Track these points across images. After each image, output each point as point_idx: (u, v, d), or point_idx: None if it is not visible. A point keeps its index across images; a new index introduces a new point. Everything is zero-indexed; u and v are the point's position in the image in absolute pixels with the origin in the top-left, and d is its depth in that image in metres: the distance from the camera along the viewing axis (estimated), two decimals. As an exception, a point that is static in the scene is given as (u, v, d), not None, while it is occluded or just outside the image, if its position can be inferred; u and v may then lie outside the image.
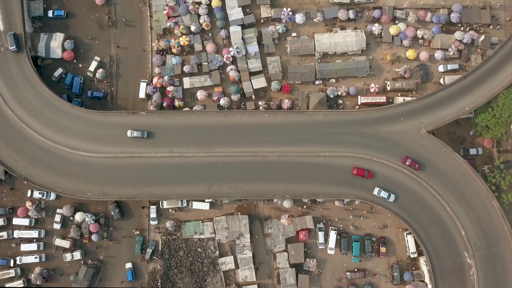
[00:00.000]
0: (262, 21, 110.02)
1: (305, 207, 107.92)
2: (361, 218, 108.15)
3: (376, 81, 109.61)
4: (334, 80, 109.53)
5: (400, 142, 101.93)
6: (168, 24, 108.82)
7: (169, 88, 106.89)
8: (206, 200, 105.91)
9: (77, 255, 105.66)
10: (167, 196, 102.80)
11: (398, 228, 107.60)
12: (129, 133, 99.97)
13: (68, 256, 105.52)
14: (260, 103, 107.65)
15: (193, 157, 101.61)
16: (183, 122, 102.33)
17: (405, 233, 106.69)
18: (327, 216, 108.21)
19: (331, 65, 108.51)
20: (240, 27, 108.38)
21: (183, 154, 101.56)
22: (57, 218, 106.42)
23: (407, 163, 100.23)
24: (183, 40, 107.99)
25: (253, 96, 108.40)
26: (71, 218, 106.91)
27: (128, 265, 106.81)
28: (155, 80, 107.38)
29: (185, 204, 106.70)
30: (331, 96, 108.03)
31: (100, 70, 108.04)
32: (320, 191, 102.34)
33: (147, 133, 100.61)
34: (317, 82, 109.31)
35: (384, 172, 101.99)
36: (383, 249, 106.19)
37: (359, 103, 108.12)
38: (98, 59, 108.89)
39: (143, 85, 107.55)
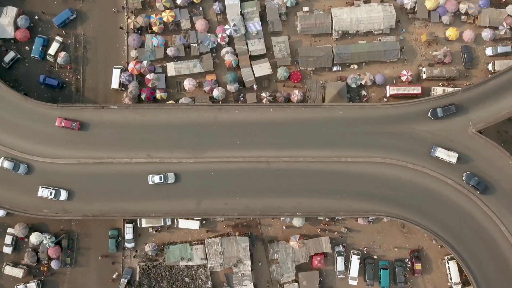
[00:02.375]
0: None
1: (320, 225, 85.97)
2: (391, 239, 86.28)
3: (409, 67, 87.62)
4: (356, 66, 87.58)
5: (442, 144, 79.95)
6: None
7: (149, 76, 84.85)
8: (195, 218, 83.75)
9: (33, 287, 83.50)
10: (144, 213, 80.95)
11: (437, 252, 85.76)
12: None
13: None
14: (263, 95, 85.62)
15: (178, 163, 79.84)
16: (165, 118, 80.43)
17: (446, 258, 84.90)
18: (348, 237, 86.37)
19: (352, 47, 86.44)
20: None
21: (165, 160, 79.77)
22: (8, 239, 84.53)
23: None
24: (167, 16, 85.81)
25: (255, 86, 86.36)
26: (26, 239, 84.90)
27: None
28: (131, 65, 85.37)
29: (169, 222, 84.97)
30: (353, 86, 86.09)
31: (63, 53, 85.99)
32: (340, 207, 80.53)
33: None
34: (334, 69, 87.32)
35: (422, 183, 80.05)
36: (418, 266, 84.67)
37: (387, 95, 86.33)
38: (60, 39, 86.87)
39: (116, 72, 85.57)
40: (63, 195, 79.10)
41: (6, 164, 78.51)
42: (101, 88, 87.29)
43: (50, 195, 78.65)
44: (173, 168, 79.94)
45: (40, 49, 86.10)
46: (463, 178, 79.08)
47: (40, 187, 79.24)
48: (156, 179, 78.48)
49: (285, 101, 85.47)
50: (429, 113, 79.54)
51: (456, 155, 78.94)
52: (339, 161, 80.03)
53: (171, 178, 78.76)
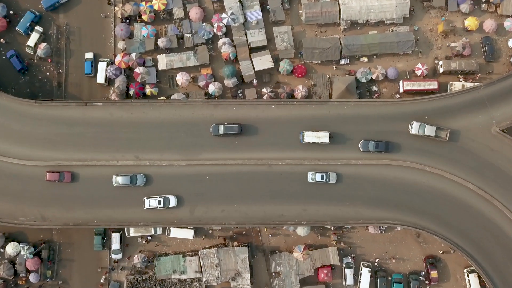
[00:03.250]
0: (267, -23, 79.86)
1: (327, 235, 77.90)
2: (405, 249, 78.24)
3: (424, 60, 79.66)
4: (366, 59, 79.60)
5: (463, 145, 71.95)
6: (137, -19, 78.86)
7: (138, 70, 76.82)
8: (189, 226, 75.61)
9: (9, 303, 75.64)
10: (132, 221, 72.77)
11: (456, 262, 77.67)
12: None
13: (-4, 305, 75.80)
14: (264, 90, 77.61)
15: (170, 166, 71.81)
16: (155, 116, 72.37)
17: (465, 270, 76.97)
18: (357, 247, 78.25)
19: (362, 38, 78.46)
20: (236, -15, 78.44)
21: (154, 163, 71.71)
22: (-19, 250, 76.47)
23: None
24: (158, 3, 77.74)
25: (255, 81, 78.34)
26: (1, 250, 76.73)
27: (81, 316, 76.91)
28: (118, 58, 77.32)
29: (160, 231, 76.85)
30: (363, 80, 78.07)
31: (43, 45, 77.94)
32: (349, 215, 72.44)
33: None
34: (343, 62, 79.35)
35: (441, 188, 71.97)
36: (434, 274, 76.70)
37: (400, 91, 78.44)
38: (41, 29, 78.75)
39: (102, 66, 77.62)
40: (41, 201, 71.13)
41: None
42: (86, 83, 79.27)
43: (27, 201, 70.62)
44: (164, 171, 71.84)
45: (28, 24, 77.79)
46: (360, 148, 71.69)
47: (15, 192, 71.32)
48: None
49: (288, 97, 77.46)
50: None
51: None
52: (348, 163, 71.99)
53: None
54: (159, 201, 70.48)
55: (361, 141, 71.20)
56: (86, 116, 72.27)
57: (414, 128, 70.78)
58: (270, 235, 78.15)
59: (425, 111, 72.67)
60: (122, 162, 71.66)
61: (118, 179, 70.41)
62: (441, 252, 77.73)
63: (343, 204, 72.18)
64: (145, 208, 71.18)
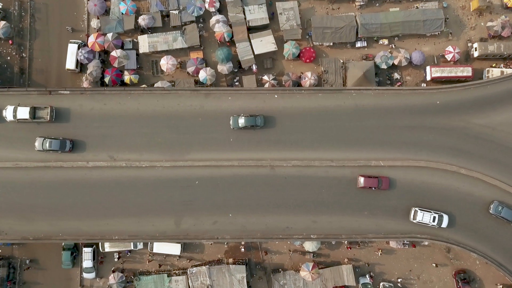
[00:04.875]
0: None
1: (341, 249, 65.36)
2: (434, 265, 65.75)
3: (455, 43, 67.10)
4: (386, 42, 67.00)
5: (506, 143, 59.39)
6: None
7: (115, 53, 64.25)
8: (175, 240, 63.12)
9: (-41, 332, 63.02)
10: (105, 235, 60.09)
11: (494, 283, 65.20)
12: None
13: None
14: (265, 78, 65.00)
15: (151, 168, 59.28)
16: (134, 108, 59.95)
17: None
18: (376, 264, 65.70)
19: (382, 16, 65.88)
20: (232, -47, 65.79)
21: (132, 164, 59.20)
22: None
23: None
24: (139, -26, 65.35)
25: (254, 67, 65.77)
26: (-49, 268, 64.36)
27: None
28: (91, 39, 64.67)
29: (140, 246, 64.30)
30: (383, 66, 65.52)
31: (2, 23, 65.38)
32: (369, 227, 59.92)
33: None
34: (359, 44, 66.81)
35: (479, 194, 59.43)
36: None
37: (427, 79, 65.83)
38: (0, 5, 66.18)
39: (72, 48, 64.97)
40: (-5, 211, 58.67)
41: None
42: (54, 69, 66.82)
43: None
44: (143, 174, 59.28)
45: None
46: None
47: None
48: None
49: (294, 86, 64.79)
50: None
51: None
52: (368, 165, 59.42)
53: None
54: None
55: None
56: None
57: None
58: (292, 252, 65.56)
59: (460, 102, 60.22)
60: (93, 163, 59.10)
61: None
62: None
63: (361, 214, 59.65)
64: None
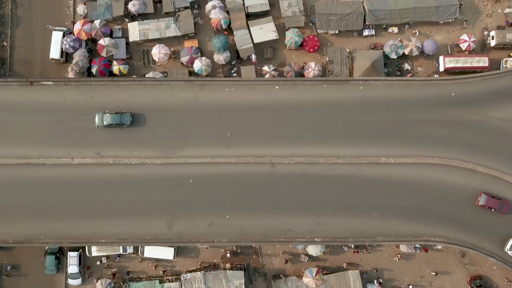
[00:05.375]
0: None
1: (347, 254, 60.49)
2: (446, 272, 60.93)
3: (470, 31, 62.26)
4: (396, 30, 62.11)
5: (527, 138, 54.93)
6: None
7: (103, 42, 59.39)
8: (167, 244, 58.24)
9: None
10: (91, 239, 55.18)
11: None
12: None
13: None
14: (265, 69, 60.19)
15: (141, 165, 54.48)
16: (122, 100, 55.27)
17: (524, 300, 59.69)
18: (385, 270, 60.85)
19: (391, 2, 61.07)
20: None
21: (121, 161, 54.41)
22: None
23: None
24: (129, -44, 60.50)
25: (254, 57, 60.92)
26: None
27: None
28: (77, 27, 59.80)
29: (130, 250, 59.45)
30: (392, 56, 60.68)
31: (-18, 10, 60.72)
32: (378, 230, 55.12)
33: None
34: (366, 33, 61.95)
35: (499, 194, 54.60)
36: None
37: (440, 70, 60.84)
38: (-21, -9, 61.71)
39: (57, 37, 60.10)
40: (-30, 211, 53.87)
41: None
42: (37, 59, 61.88)
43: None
44: (133, 172, 54.50)
45: None
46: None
47: None
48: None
49: (297, 76, 59.93)
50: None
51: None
52: (377, 162, 54.59)
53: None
54: None
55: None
56: (31, 100, 54.96)
57: None
58: (281, 253, 60.86)
59: (477, 94, 55.45)
60: (78, 160, 54.29)
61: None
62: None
63: (369, 215, 54.81)
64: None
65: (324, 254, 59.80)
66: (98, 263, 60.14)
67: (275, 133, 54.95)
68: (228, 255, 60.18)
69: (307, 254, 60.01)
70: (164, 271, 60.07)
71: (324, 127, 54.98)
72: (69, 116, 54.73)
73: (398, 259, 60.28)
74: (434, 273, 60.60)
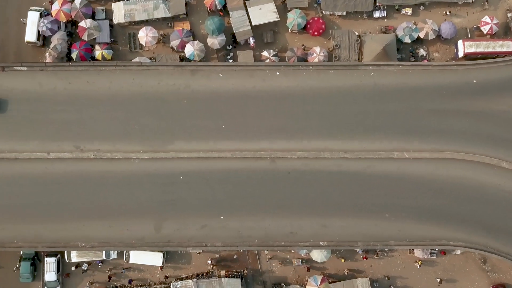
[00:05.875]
0: None
1: (355, 259, 54.50)
2: (465, 280, 55.00)
3: (492, 12, 56.28)
4: (409, 11, 56.13)
5: (557, 131, 48.97)
6: None
7: (84, 24, 53.51)
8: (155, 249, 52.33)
9: None
10: (70, 242, 49.22)
11: (537, 299, 54.75)
12: None
13: None
14: (265, 54, 54.36)
15: (125, 161, 48.64)
16: (105, 87, 49.41)
17: (553, 312, 53.67)
18: (398, 278, 54.97)
19: (404, -20, 55.29)
20: None
21: (103, 155, 48.61)
22: None
23: None
24: None
25: (252, 41, 55.10)
26: None
27: None
28: (56, 7, 53.91)
29: (114, 255, 53.59)
30: (406, 40, 54.73)
31: (-50, -11, 54.73)
32: (390, 233, 49.21)
33: None
34: (377, 14, 56.00)
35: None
36: None
37: (459, 55, 54.83)
38: None
39: (33, 17, 54.25)
40: None
41: None
42: (12, 43, 55.96)
43: None
44: (116, 168, 48.65)
45: None
46: None
47: None
48: None
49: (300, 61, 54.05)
50: None
51: None
52: (389, 157, 48.69)
53: None
54: None
55: None
56: (3, 87, 49.10)
57: None
58: (268, 258, 54.95)
59: (501, 81, 49.62)
60: (55, 155, 48.44)
61: None
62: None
63: (381, 216, 48.91)
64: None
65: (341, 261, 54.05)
66: (73, 268, 54.28)
67: (276, 124, 49.06)
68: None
69: (303, 260, 54.25)
70: (166, 277, 54.17)
71: (331, 118, 49.09)
72: (46, 106, 48.88)
73: (420, 265, 54.38)
74: (452, 281, 54.65)
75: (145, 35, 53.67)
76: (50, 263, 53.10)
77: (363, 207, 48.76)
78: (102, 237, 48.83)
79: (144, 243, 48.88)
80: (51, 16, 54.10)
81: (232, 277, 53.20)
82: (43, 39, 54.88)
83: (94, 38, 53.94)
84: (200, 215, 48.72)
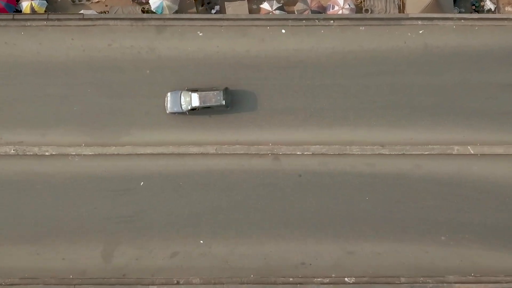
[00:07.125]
0: None
1: (390, 297, 39.48)
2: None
3: None
4: (467, -52, 40.88)
5: None
6: None
7: (10, -36, 38.09)
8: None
9: None
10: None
11: None
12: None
13: None
14: (265, 6, 39.18)
15: (61, 158, 33.78)
16: (32, 51, 34.64)
17: None
18: (448, 320, 39.94)
19: None
20: None
21: (28, 151, 33.73)
22: None
23: None
24: None
25: (247, -11, 39.88)
26: None
27: None
28: None
29: None
30: (463, -11, 39.65)
31: None
32: (450, 264, 34.23)
33: None
34: (422, -49, 40.64)
35: None
36: None
37: (535, 10, 39.74)
38: None
39: None
40: None
41: None
42: None
43: None
44: (47, 169, 33.59)
45: None
46: None
47: None
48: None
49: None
50: None
51: None
52: (446, 153, 33.64)
53: None
54: None
55: None
56: None
57: None
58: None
59: None
60: (-41, 150, 33.34)
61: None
62: None
63: (434, 240, 33.92)
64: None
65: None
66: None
67: (280, 106, 34.08)
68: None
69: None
70: None
71: (360, 96, 34.10)
72: None
73: None
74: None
75: (95, -19, 38.47)
76: (-37, 300, 38.11)
77: (408, 225, 33.69)
78: (27, 269, 33.65)
79: (87, 278, 33.60)
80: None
81: (218, 320, 38.17)
82: (-46, -13, 39.53)
83: (23, -16, 38.66)
84: (169, 237, 33.60)
